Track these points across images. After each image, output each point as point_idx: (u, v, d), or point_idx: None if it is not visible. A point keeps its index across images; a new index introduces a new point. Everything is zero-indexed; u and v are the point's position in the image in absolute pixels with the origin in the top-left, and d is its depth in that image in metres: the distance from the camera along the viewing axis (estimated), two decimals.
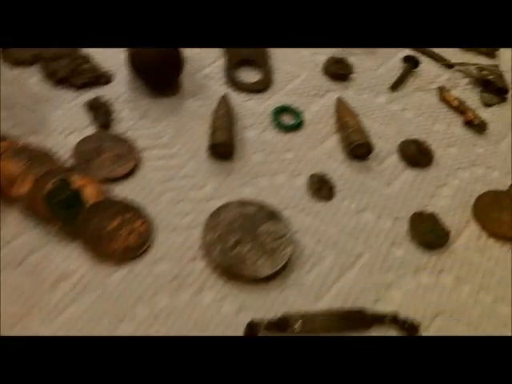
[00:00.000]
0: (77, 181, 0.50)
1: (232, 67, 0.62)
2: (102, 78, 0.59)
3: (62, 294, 0.45)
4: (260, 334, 0.45)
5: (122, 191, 0.52)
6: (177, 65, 0.59)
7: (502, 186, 0.58)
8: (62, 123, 0.55)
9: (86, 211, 0.48)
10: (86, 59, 0.60)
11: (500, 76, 0.67)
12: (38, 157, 0.51)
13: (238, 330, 0.45)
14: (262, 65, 0.63)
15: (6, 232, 0.48)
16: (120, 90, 0.59)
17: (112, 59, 0.62)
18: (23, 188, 0.48)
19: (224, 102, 0.58)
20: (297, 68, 0.65)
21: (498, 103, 0.66)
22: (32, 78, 0.59)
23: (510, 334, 0.48)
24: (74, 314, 0.44)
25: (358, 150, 0.57)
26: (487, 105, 0.65)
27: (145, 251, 0.48)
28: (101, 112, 0.55)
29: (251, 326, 0.45)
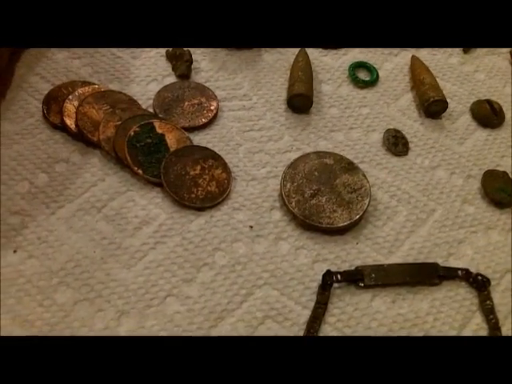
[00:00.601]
0: (160, 127, 0.45)
1: None
2: None
3: (144, 238, 0.41)
4: (335, 285, 0.41)
5: (202, 140, 0.46)
6: None
7: None
8: (142, 71, 0.50)
9: (169, 157, 0.43)
10: None
11: None
12: (120, 103, 0.46)
13: (314, 281, 0.41)
14: None
15: (88, 177, 0.43)
16: None
17: None
18: (106, 133, 0.44)
19: (303, 54, 0.52)
20: None
21: None
22: None
23: None
24: (155, 259, 0.40)
25: (434, 106, 0.50)
26: None
27: (224, 199, 0.43)
28: (181, 61, 0.49)
29: (327, 276, 0.40)
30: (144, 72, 0.50)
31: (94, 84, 0.47)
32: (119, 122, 0.44)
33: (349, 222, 0.43)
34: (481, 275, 0.42)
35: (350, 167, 0.45)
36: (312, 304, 0.39)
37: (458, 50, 0.57)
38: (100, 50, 0.51)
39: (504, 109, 0.53)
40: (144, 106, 0.47)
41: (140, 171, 0.42)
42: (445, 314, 0.41)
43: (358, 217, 0.43)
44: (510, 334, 0.40)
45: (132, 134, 0.43)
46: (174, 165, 0.43)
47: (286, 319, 0.39)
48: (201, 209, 0.42)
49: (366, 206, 0.44)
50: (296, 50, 0.53)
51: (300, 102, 0.49)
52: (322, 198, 0.44)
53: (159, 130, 0.44)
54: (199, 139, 0.46)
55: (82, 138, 0.44)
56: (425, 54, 0.56)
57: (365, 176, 0.45)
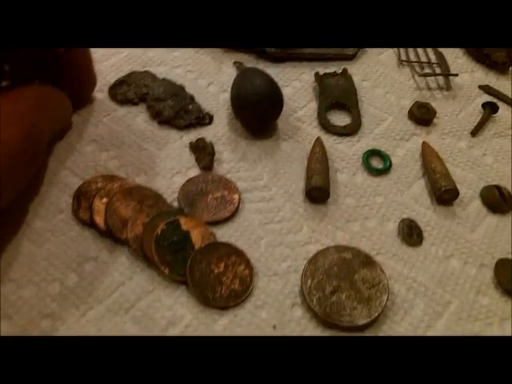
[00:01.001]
0: (185, 224, 0.43)
1: (324, 110, 0.54)
2: (205, 119, 0.51)
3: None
4: None
5: (225, 234, 0.44)
6: (277, 106, 0.50)
7: None
8: (167, 164, 0.48)
9: (195, 255, 0.41)
10: (191, 100, 0.52)
11: None
12: (147, 198, 0.44)
13: None
14: (352, 108, 0.54)
15: (117, 276, 0.41)
16: (220, 132, 0.51)
17: (212, 100, 0.54)
18: (134, 231, 0.42)
19: (319, 145, 0.50)
20: (383, 112, 0.56)
21: None
22: (138, 117, 0.52)
23: None
24: None
25: (446, 195, 0.48)
26: None
27: (247, 297, 0.41)
28: (204, 153, 0.48)
29: None
30: (169, 164, 0.48)
31: (122, 178, 0.46)
32: (147, 219, 0.42)
33: (369, 320, 0.40)
34: None
35: (368, 261, 0.43)
36: None
37: (466, 134, 0.55)
38: (126, 141, 0.49)
39: None
40: (169, 199, 0.45)
41: (167, 270, 0.40)
42: None
43: (377, 314, 0.41)
44: None
45: (159, 232, 0.41)
46: (199, 263, 0.41)
47: None
48: (225, 307, 0.40)
49: (384, 302, 0.41)
50: (312, 139, 0.51)
51: (318, 193, 0.47)
52: (342, 294, 0.41)
53: (184, 227, 0.42)
54: (222, 233, 0.44)
55: (111, 235, 0.42)
56: (435, 139, 0.54)
57: (382, 270, 0.43)
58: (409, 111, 0.55)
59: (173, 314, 0.39)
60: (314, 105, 0.55)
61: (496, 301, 0.44)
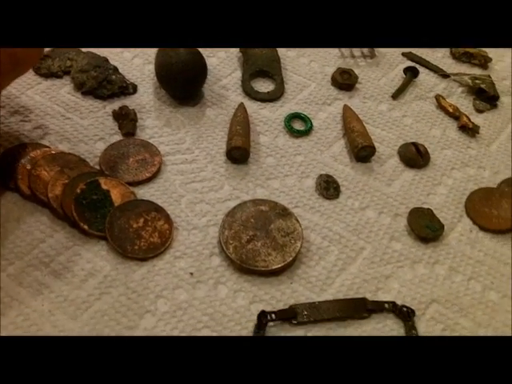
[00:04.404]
0: (105, 184, 0.47)
1: (248, 78, 0.58)
2: (128, 89, 0.55)
3: (90, 290, 0.42)
4: (270, 324, 0.43)
5: (146, 193, 0.48)
6: (201, 76, 0.55)
7: (492, 184, 0.54)
8: (90, 131, 0.52)
9: (114, 212, 0.45)
10: (114, 71, 0.56)
11: (492, 85, 0.62)
12: (69, 162, 0.48)
13: (250, 321, 0.42)
14: (275, 76, 0.59)
15: (37, 234, 0.45)
16: (144, 100, 0.55)
17: (137, 71, 0.58)
18: (55, 191, 0.45)
19: (241, 109, 0.55)
20: (306, 79, 0.60)
21: (490, 109, 0.61)
22: (62, 89, 0.55)
23: (498, 320, 0.45)
24: (100, 309, 0.41)
25: (363, 152, 0.53)
26: (479, 111, 0.61)
27: (166, 249, 0.45)
28: (127, 120, 0.52)
29: (262, 316, 0.42)
30: (92, 132, 0.52)
31: (45, 146, 0.49)
32: (67, 181, 0.46)
33: (283, 264, 0.45)
34: (406, 307, 0.44)
35: (284, 213, 0.48)
36: None
37: (387, 97, 0.60)
38: (50, 112, 0.53)
39: (430, 149, 0.56)
40: (92, 164, 0.49)
41: (86, 227, 0.44)
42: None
43: (291, 259, 0.45)
44: None
45: (78, 191, 0.45)
46: (117, 219, 0.45)
47: None
48: (144, 259, 0.44)
49: (298, 248, 0.46)
50: (236, 105, 0.56)
51: (238, 153, 0.51)
52: (258, 242, 0.46)
53: (104, 187, 0.46)
54: (143, 193, 0.48)
55: (35, 199, 0.46)
56: (356, 102, 0.59)
57: (297, 220, 0.47)
58: (331, 77, 0.60)
59: (92, 266, 0.43)
60: (238, 74, 0.60)
61: (408, 246, 0.49)
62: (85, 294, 0.42)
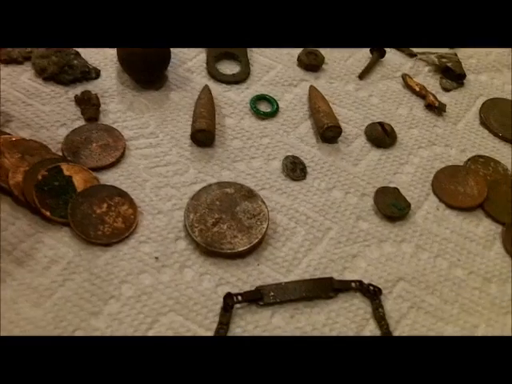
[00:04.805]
0: (68, 169, 0.46)
1: (212, 60, 0.58)
2: (90, 74, 0.55)
3: (53, 277, 0.42)
4: (236, 306, 0.43)
5: (110, 178, 0.48)
6: (164, 59, 0.55)
7: (459, 162, 0.55)
8: (52, 117, 0.52)
9: (76, 197, 0.45)
10: (76, 56, 0.55)
11: (458, 63, 0.63)
12: (31, 149, 0.47)
13: (217, 303, 0.42)
14: (241, 57, 0.59)
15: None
16: (107, 85, 0.55)
17: (100, 55, 0.58)
18: (16, 178, 0.45)
19: (206, 91, 0.54)
20: (272, 60, 0.60)
21: (456, 88, 0.62)
22: (23, 75, 0.55)
23: (464, 296, 0.46)
24: (63, 296, 0.41)
25: (329, 132, 0.53)
26: (446, 90, 0.61)
27: (131, 234, 0.45)
28: (89, 105, 0.51)
29: (228, 298, 0.42)
30: (54, 118, 0.52)
31: (6, 133, 0.49)
32: (28, 168, 0.46)
33: (249, 246, 0.45)
34: (372, 285, 0.45)
35: (250, 195, 0.48)
36: (215, 326, 0.42)
37: (354, 77, 0.60)
38: (11, 98, 0.52)
39: (397, 128, 0.56)
40: (54, 151, 0.49)
41: (48, 213, 0.44)
42: (340, 324, 0.43)
43: (257, 240, 0.45)
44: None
45: (40, 177, 0.45)
46: (80, 205, 0.45)
47: None
48: (108, 244, 0.44)
49: (264, 230, 0.46)
50: (201, 87, 0.56)
51: (203, 136, 0.51)
52: (224, 225, 0.46)
53: (67, 173, 0.46)
54: (107, 178, 0.48)
55: None
56: (323, 83, 0.59)
57: (263, 202, 0.48)
58: (298, 58, 0.60)
59: (55, 252, 0.43)
60: (203, 56, 0.60)
61: (375, 225, 0.49)
62: (48, 281, 0.42)
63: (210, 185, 0.48)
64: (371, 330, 0.43)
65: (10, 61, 0.55)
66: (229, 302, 0.42)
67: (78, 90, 0.54)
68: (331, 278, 0.45)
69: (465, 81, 0.62)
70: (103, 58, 0.58)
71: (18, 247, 0.43)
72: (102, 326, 0.40)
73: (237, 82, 0.57)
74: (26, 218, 0.45)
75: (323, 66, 0.61)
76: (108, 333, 0.40)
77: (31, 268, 0.42)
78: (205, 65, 0.59)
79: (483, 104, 0.61)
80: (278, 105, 0.56)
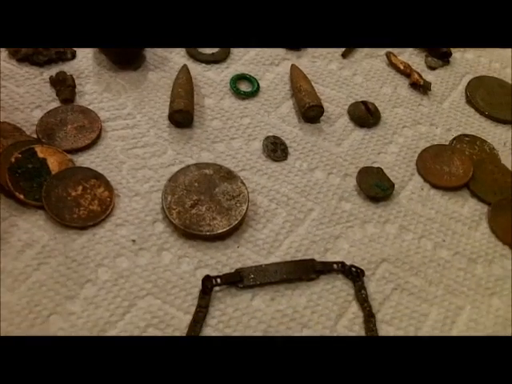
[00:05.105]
0: (41, 152, 0.46)
1: None
2: (66, 55, 0.54)
3: (28, 261, 0.41)
4: (215, 289, 0.42)
5: (86, 161, 0.47)
6: None
7: (444, 141, 0.54)
8: (26, 99, 0.51)
9: (51, 180, 0.44)
10: None
11: None
12: (4, 131, 0.46)
13: (196, 286, 0.42)
14: None
15: None
16: (83, 66, 0.54)
17: None
18: None
19: (184, 71, 0.54)
20: None
21: (442, 66, 0.61)
22: None
23: (449, 277, 0.45)
24: (38, 280, 0.41)
25: (311, 112, 0.53)
26: (432, 68, 0.61)
27: (107, 217, 0.44)
28: (64, 86, 0.51)
29: (207, 281, 0.42)
30: (28, 99, 0.51)
31: None
32: (1, 150, 0.45)
33: (228, 228, 0.44)
34: (354, 267, 0.44)
35: (229, 176, 0.47)
36: (194, 309, 0.41)
37: (337, 56, 0.59)
38: None
39: (381, 108, 0.56)
40: (29, 133, 0.48)
41: (22, 196, 0.43)
42: (322, 307, 0.43)
43: (236, 222, 0.45)
44: (385, 319, 0.42)
45: (13, 160, 0.44)
46: (55, 187, 0.44)
47: (168, 325, 0.40)
48: (84, 228, 0.43)
49: (244, 212, 0.45)
50: (180, 67, 0.55)
51: (181, 117, 0.50)
52: (202, 207, 0.45)
53: (41, 155, 0.45)
54: (83, 160, 0.47)
55: None
56: (305, 62, 0.58)
57: (243, 183, 0.47)
58: None
59: (29, 236, 0.43)
60: None
61: (358, 206, 0.49)
62: (22, 265, 0.41)
63: (188, 166, 0.47)
64: (354, 311, 0.43)
65: None
66: (208, 284, 0.42)
67: (53, 71, 0.53)
68: (313, 260, 0.44)
69: (451, 59, 0.62)
70: None
71: None
72: (78, 310, 0.39)
73: (216, 62, 0.56)
74: (0, 202, 0.44)
75: None
76: (84, 317, 0.39)
77: (5, 252, 0.42)
78: None
79: (469, 82, 0.60)
80: (258, 84, 0.55)
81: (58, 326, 0.39)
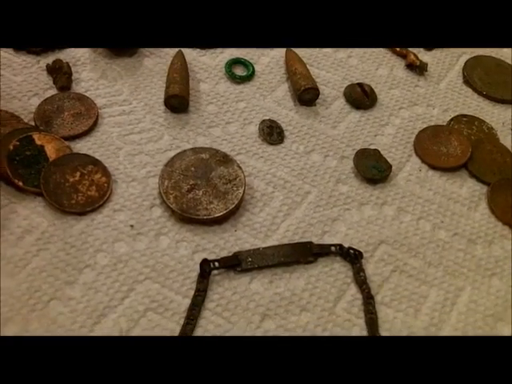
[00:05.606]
0: (39, 139, 0.46)
1: None
2: None
3: (27, 247, 0.42)
4: (213, 273, 0.43)
5: (83, 147, 0.48)
6: None
7: (441, 122, 0.55)
8: (24, 87, 0.51)
9: (48, 167, 0.45)
10: None
11: None
12: (2, 119, 0.47)
13: (194, 270, 0.43)
14: None
15: None
16: (79, 53, 0.55)
17: None
18: None
19: (179, 56, 0.54)
20: None
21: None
22: None
23: (448, 258, 0.46)
24: (38, 266, 0.42)
25: (306, 94, 0.53)
26: (428, 49, 0.61)
27: (105, 202, 0.45)
28: (61, 73, 0.51)
29: (204, 265, 0.43)
30: (25, 87, 0.51)
31: None
32: None
33: (225, 212, 0.45)
34: (352, 249, 0.45)
35: (225, 160, 0.48)
36: (192, 293, 0.42)
37: None
38: None
39: (377, 90, 0.56)
40: (27, 121, 0.49)
41: (21, 183, 0.44)
42: (320, 289, 0.43)
43: (233, 206, 0.46)
44: (384, 301, 0.43)
45: (11, 148, 0.45)
46: (53, 174, 0.45)
47: (167, 309, 0.41)
48: (82, 213, 0.44)
49: (241, 195, 0.46)
50: (175, 53, 0.55)
51: (176, 102, 0.51)
52: (199, 191, 0.46)
53: (38, 142, 0.46)
54: (80, 147, 0.48)
55: None
56: None
57: (239, 167, 0.48)
58: None
59: (29, 222, 0.43)
60: None
61: (355, 188, 0.49)
62: (22, 252, 0.42)
63: (184, 151, 0.48)
64: (352, 294, 0.43)
65: None
66: (206, 268, 0.43)
67: (50, 59, 0.54)
68: (310, 243, 0.45)
69: None
70: None
71: None
72: (77, 295, 0.40)
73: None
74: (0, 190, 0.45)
75: None
76: (84, 302, 0.40)
77: (5, 238, 0.43)
78: None
79: (466, 62, 0.60)
80: (254, 68, 0.56)
81: (58, 311, 0.40)
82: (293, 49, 0.57)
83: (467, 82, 0.59)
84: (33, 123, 0.49)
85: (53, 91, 0.51)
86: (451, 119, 0.55)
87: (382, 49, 0.60)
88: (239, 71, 0.56)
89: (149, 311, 0.41)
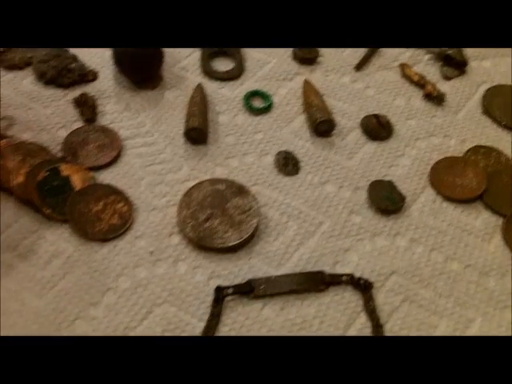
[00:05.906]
0: (65, 170, 0.54)
1: (207, 58, 0.66)
2: (88, 76, 0.63)
3: (54, 270, 0.50)
4: (227, 298, 0.50)
5: (107, 177, 0.56)
6: (158, 59, 0.63)
7: (458, 153, 0.61)
8: (52, 120, 0.60)
9: (74, 196, 0.53)
10: (73, 59, 0.64)
11: (459, 50, 0.69)
12: (31, 151, 0.56)
13: (209, 295, 0.49)
14: (235, 54, 0.66)
15: (4, 219, 0.52)
16: (105, 86, 0.63)
17: (97, 57, 0.66)
18: (18, 179, 0.53)
19: (198, 90, 0.62)
20: (267, 55, 0.68)
21: (458, 76, 0.68)
22: (25, 80, 0.63)
23: (459, 290, 0.51)
24: (64, 287, 0.49)
25: (322, 126, 0.60)
26: (447, 78, 0.67)
27: (127, 230, 0.53)
28: (87, 107, 0.60)
29: (219, 291, 0.50)
30: (54, 120, 0.60)
31: (9, 136, 0.57)
32: (29, 169, 0.54)
33: (239, 241, 0.52)
34: (363, 279, 0.51)
35: (241, 191, 0.55)
36: (207, 317, 0.49)
37: (350, 69, 0.67)
38: (13, 103, 0.61)
39: (394, 120, 0.63)
40: (54, 151, 0.57)
41: (49, 211, 0.52)
42: (331, 317, 0.49)
43: (247, 235, 0.53)
44: (393, 330, 0.48)
45: (40, 178, 0.53)
46: (77, 203, 0.53)
47: (183, 331, 0.48)
48: (105, 240, 0.52)
49: (255, 225, 0.53)
50: (195, 86, 0.63)
51: (196, 134, 0.59)
52: (215, 221, 0.53)
53: (65, 173, 0.54)
54: (104, 177, 0.56)
55: (0, 187, 0.54)
56: (318, 76, 0.66)
57: (254, 198, 0.55)
58: (293, 52, 0.68)
59: (56, 248, 0.51)
60: (198, 54, 0.67)
61: (368, 219, 0.55)
62: (49, 274, 0.50)
63: (201, 182, 0.55)
64: (362, 322, 0.49)
65: (12, 67, 0.64)
66: (220, 294, 0.49)
67: (77, 92, 0.62)
68: (322, 272, 0.51)
69: (467, 68, 0.68)
70: (100, 60, 0.66)
71: (22, 243, 0.51)
72: (100, 316, 0.48)
73: (231, 79, 0.65)
74: (29, 217, 0.53)
75: (319, 58, 0.68)
76: (105, 322, 0.48)
77: (34, 262, 0.50)
78: (199, 63, 0.66)
79: (486, 91, 0.66)
80: (271, 100, 0.63)
81: (82, 330, 0.47)
82: (310, 79, 0.65)
83: (486, 111, 0.64)
84: (60, 154, 0.57)
85: (79, 123, 0.60)
86: (468, 150, 0.61)
87: (399, 79, 0.66)
88: (257, 103, 0.63)
89: (166, 332, 0.48)
